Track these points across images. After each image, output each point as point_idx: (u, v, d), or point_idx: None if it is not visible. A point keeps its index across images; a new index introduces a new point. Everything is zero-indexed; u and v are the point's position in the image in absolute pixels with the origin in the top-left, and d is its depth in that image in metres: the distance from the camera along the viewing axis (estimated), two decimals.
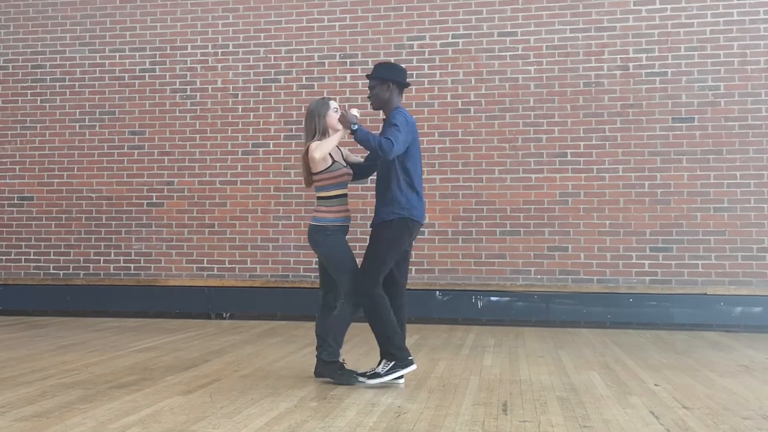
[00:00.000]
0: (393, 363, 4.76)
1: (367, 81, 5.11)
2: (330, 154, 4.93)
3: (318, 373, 4.95)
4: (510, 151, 8.46)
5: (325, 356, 4.88)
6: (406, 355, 4.80)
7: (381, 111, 5.10)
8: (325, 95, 5.35)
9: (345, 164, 5.05)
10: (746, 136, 8.11)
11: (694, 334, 7.61)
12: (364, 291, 4.79)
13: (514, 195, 8.41)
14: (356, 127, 4.75)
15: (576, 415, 4.04)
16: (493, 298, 8.31)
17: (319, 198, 5.01)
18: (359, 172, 5.18)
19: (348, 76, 8.79)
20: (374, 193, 5.08)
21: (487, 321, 8.31)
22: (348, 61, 8.83)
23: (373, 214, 5.00)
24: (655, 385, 4.91)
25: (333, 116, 4.97)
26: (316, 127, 4.96)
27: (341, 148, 5.17)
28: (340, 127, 4.97)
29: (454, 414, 4.05)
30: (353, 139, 4.80)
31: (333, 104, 5.04)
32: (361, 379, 4.81)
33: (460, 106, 8.59)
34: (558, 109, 8.41)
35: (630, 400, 4.42)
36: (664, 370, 5.50)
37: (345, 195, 5.02)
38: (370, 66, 8.66)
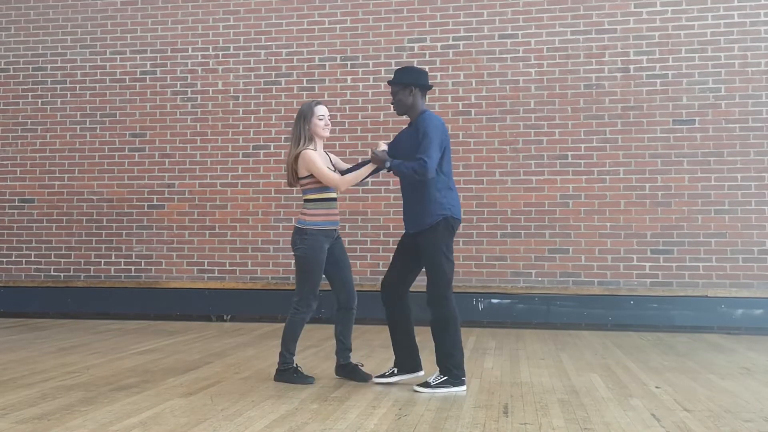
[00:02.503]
0: (445, 378, 4.74)
1: (390, 86, 5.04)
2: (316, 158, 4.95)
3: (277, 379, 5.04)
4: (511, 154, 8.47)
5: (281, 365, 5.01)
6: (461, 374, 4.78)
7: (405, 115, 5.04)
8: (314, 99, 5.32)
9: (333, 169, 5.05)
10: (747, 139, 8.11)
11: (695, 337, 7.60)
12: (437, 299, 4.77)
13: (515, 197, 8.41)
14: (389, 164, 4.80)
15: (577, 418, 4.04)
16: (493, 301, 8.31)
17: (304, 201, 5.04)
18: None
19: (349, 78, 8.80)
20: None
21: (487, 323, 8.30)
22: (349, 63, 8.83)
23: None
24: (656, 387, 4.91)
25: (317, 124, 5.00)
26: (301, 132, 5.01)
27: (329, 154, 5.18)
28: (325, 134, 5.06)
29: (455, 416, 4.05)
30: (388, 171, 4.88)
31: (319, 110, 5.02)
32: (417, 388, 4.76)
33: (460, 109, 8.59)
34: (558, 112, 8.42)
35: (631, 403, 4.42)
36: (665, 372, 5.50)
37: (331, 199, 5.01)
38: (371, 68, 8.75)
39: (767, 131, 8.10)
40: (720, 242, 8.07)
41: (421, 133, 4.78)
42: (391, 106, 5.08)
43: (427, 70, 5.19)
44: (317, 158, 4.91)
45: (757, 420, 4.02)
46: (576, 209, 8.32)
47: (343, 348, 5.10)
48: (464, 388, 4.76)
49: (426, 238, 4.83)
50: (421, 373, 4.97)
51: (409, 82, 4.92)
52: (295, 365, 5.01)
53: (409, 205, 4.91)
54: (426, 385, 4.75)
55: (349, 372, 5.06)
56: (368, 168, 4.95)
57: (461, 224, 8.27)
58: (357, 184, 5.32)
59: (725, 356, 6.32)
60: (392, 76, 5.08)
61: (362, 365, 5.13)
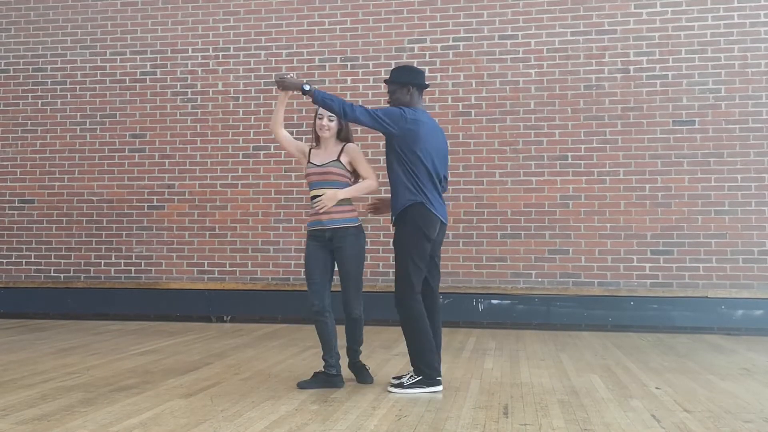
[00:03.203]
0: (420, 378, 4.70)
1: (387, 85, 5.01)
2: (309, 153, 4.96)
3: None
4: (511, 154, 8.47)
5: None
6: (435, 374, 4.72)
7: None
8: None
9: (320, 164, 4.88)
10: (747, 139, 8.11)
11: (696, 337, 7.60)
12: (400, 301, 4.74)
13: (515, 198, 8.41)
14: (308, 87, 4.67)
15: (577, 419, 4.04)
16: (493, 301, 8.30)
17: None
18: None
19: (349, 79, 8.80)
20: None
21: (487, 324, 8.30)
22: (349, 64, 8.83)
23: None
24: (657, 388, 4.91)
25: (316, 123, 4.96)
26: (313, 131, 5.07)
27: (348, 155, 4.93)
28: (322, 134, 4.92)
29: (455, 417, 4.05)
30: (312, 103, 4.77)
31: (320, 110, 4.91)
32: (390, 389, 4.73)
33: (460, 109, 8.59)
34: (559, 112, 8.42)
35: (631, 404, 4.42)
36: (666, 373, 5.50)
37: (313, 197, 4.91)
38: (371, 69, 8.75)
39: (767, 132, 8.10)
40: (720, 243, 8.06)
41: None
42: (388, 105, 5.05)
43: (425, 70, 5.17)
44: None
45: (757, 421, 4.02)
46: (576, 210, 8.32)
47: (349, 348, 5.08)
48: (440, 387, 4.72)
49: (397, 228, 4.81)
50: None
51: (407, 82, 4.90)
52: (322, 369, 4.89)
53: (390, 197, 4.88)
54: (399, 385, 4.71)
55: (355, 370, 5.04)
56: (281, 98, 4.87)
57: (461, 225, 8.38)
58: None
59: (725, 357, 6.32)
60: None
61: (369, 367, 5.10)
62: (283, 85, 4.80)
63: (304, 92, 4.69)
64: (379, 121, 4.70)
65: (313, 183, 4.91)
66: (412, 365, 4.80)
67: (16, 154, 9.41)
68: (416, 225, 4.74)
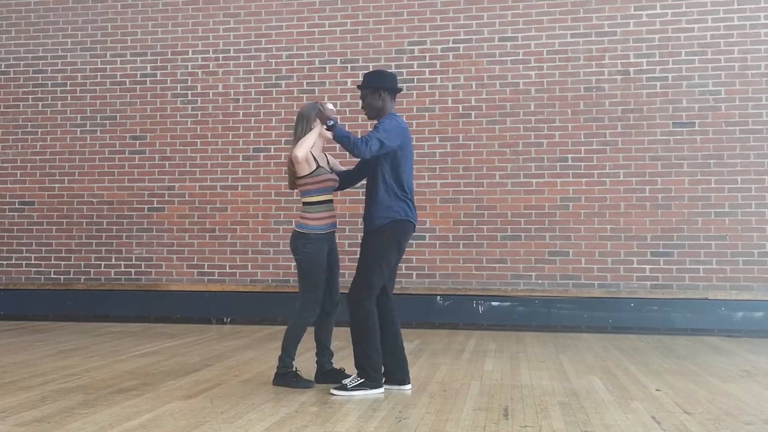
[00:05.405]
0: (362, 381, 4.69)
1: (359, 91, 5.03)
2: (315, 158, 4.91)
3: (276, 384, 4.96)
4: (511, 156, 8.47)
5: (280, 369, 4.94)
6: (378, 377, 4.72)
7: (376, 119, 4.96)
8: (324, 99, 5.30)
9: (330, 170, 5.00)
10: (747, 141, 8.12)
11: (696, 339, 7.60)
12: (356, 299, 4.73)
13: (515, 199, 8.42)
14: (332, 122, 4.75)
15: (577, 420, 4.04)
16: (494, 303, 8.30)
17: (304, 204, 4.99)
18: (346, 180, 5.13)
19: (349, 80, 8.80)
20: (355, 197, 5.05)
21: (488, 326, 8.30)
22: (349, 65, 8.84)
23: (356, 219, 4.93)
24: (657, 390, 4.91)
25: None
26: (302, 130, 4.92)
27: (327, 155, 5.11)
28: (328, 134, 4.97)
29: (455, 419, 4.05)
30: (331, 137, 4.81)
31: (328, 106, 4.98)
32: (333, 391, 4.70)
33: (461, 111, 8.60)
34: (559, 114, 8.42)
35: (631, 405, 4.42)
36: (666, 375, 5.49)
37: (330, 201, 4.98)
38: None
39: (767, 133, 8.10)
40: (720, 245, 8.06)
41: (376, 126, 4.78)
42: (362, 110, 5.03)
43: (395, 73, 5.14)
44: (301, 143, 4.84)
45: (758, 423, 4.02)
46: (576, 212, 8.31)
47: (329, 354, 5.05)
48: (382, 390, 4.71)
49: (368, 237, 4.81)
50: (408, 387, 4.84)
51: (378, 86, 4.89)
52: (294, 369, 4.96)
53: (366, 205, 4.88)
54: (342, 387, 4.69)
55: (335, 377, 4.95)
56: (316, 128, 4.84)
57: (461, 227, 8.38)
58: (343, 189, 5.24)
59: (725, 359, 6.32)
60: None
61: (344, 369, 5.04)
62: (321, 115, 4.82)
63: (329, 127, 4.76)
64: (387, 145, 4.70)
65: (329, 188, 4.98)
66: (356, 366, 4.76)
67: (16, 156, 9.41)
68: (393, 236, 4.78)
